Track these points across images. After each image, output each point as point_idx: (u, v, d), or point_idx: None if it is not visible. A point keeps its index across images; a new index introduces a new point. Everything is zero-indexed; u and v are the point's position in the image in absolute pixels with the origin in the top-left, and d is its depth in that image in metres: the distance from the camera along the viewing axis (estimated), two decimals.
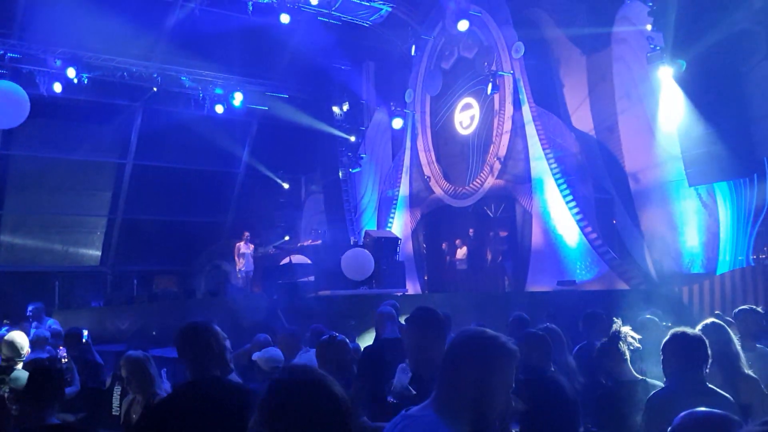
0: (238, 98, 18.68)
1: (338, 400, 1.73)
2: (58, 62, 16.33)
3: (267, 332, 5.70)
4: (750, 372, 4.05)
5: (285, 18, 16.92)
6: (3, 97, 7.49)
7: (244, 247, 16.84)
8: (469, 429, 2.00)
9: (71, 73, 16.29)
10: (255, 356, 4.73)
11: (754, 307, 6.70)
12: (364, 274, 12.10)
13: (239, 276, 16.70)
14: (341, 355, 4.07)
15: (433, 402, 2.08)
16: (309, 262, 14.38)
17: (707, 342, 3.39)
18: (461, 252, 16.15)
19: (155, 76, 17.61)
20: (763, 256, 11.90)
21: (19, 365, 5.30)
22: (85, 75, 16.51)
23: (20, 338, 5.56)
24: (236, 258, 16.90)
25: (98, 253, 19.52)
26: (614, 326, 4.10)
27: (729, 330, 4.25)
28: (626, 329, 4.10)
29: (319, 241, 17.46)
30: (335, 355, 4.06)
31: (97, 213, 19.43)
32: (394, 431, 2.06)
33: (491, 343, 2.06)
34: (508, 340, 2.10)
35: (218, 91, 18.62)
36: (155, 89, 17.75)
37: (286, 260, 14.31)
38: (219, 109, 18.70)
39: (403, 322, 4.08)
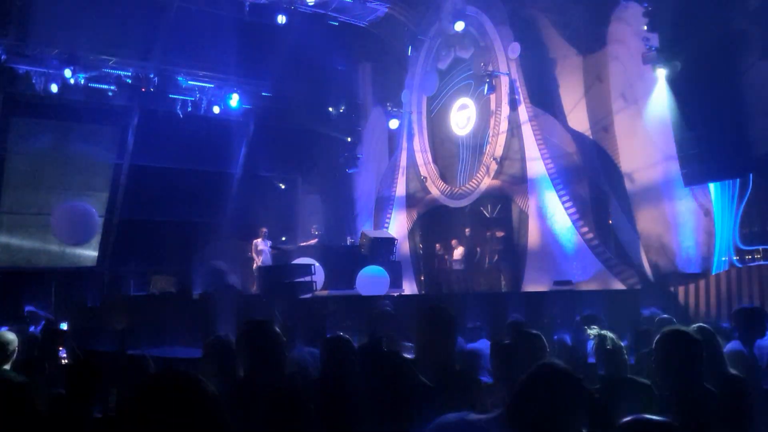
0: (234, 99, 18.69)
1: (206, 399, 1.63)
2: (55, 62, 16.30)
3: None
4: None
5: (281, 18, 16.92)
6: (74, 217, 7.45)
7: (262, 244, 16.79)
8: None
9: (68, 73, 16.26)
10: None
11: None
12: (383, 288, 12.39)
13: (255, 274, 16.61)
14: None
15: (501, 418, 2.09)
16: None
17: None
18: (458, 252, 16.18)
19: (152, 76, 17.60)
20: (759, 256, 11.95)
21: (7, 365, 5.19)
22: (81, 75, 16.49)
23: (5, 337, 5.39)
24: (254, 255, 16.88)
25: (95, 253, 19.47)
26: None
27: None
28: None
29: (316, 241, 17.47)
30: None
31: None
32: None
33: (571, 381, 2.10)
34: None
35: (214, 91, 18.63)
36: (153, 89, 17.74)
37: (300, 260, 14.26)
38: (216, 109, 18.71)
39: None
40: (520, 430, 2.03)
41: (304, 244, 17.42)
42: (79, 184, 18.76)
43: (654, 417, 1.94)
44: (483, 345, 5.52)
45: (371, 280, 12.73)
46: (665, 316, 6.01)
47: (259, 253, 16.77)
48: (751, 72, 11.56)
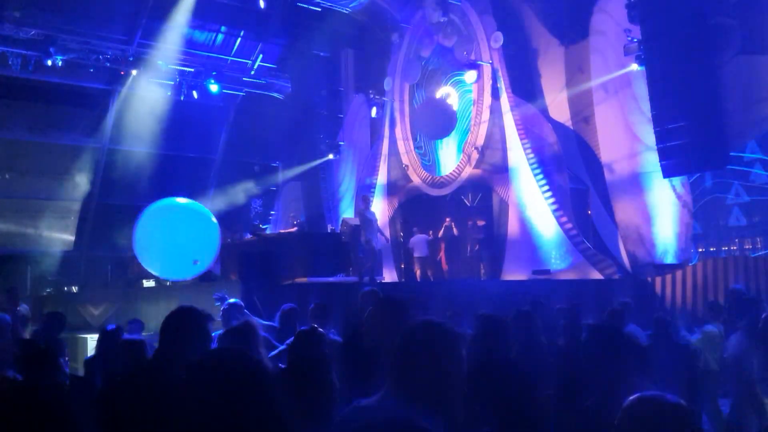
0: (214, 84, 18.53)
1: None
2: (32, 44, 16.02)
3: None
4: None
5: (261, 2, 16.79)
6: None
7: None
8: (432, 416, 1.94)
9: (46, 54, 15.98)
10: None
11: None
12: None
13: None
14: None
15: (390, 392, 2.04)
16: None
17: None
18: (418, 239, 15.91)
19: (131, 59, 17.38)
20: (735, 248, 12.13)
21: None
22: (59, 57, 16.21)
23: None
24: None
25: (72, 237, 19.27)
26: None
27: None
28: None
29: (295, 229, 17.39)
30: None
31: (71, 197, 19.17)
32: (351, 425, 1.96)
33: (442, 329, 2.08)
34: (454, 325, 2.13)
35: (195, 76, 18.45)
36: (134, 72, 17.53)
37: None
38: (195, 94, 18.54)
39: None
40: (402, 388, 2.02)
41: (285, 231, 17.34)
42: (56, 168, 18.52)
43: (663, 395, 1.90)
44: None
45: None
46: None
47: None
48: (730, 65, 11.68)
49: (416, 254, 15.72)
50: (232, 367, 1.61)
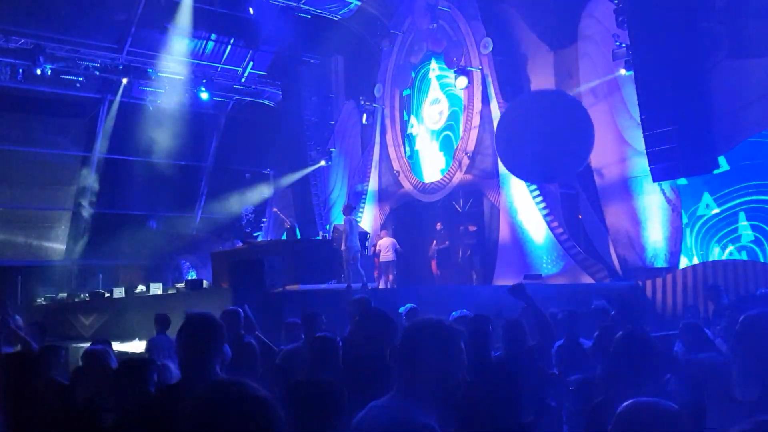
0: (205, 92, 18.52)
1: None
2: (21, 53, 15.98)
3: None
4: None
5: (251, 10, 16.82)
6: None
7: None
8: (436, 412, 2.07)
9: (35, 63, 15.93)
10: None
11: None
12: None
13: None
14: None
15: (398, 392, 2.12)
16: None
17: None
18: (384, 242, 15.50)
19: (121, 68, 17.36)
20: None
21: None
22: (48, 66, 16.17)
23: None
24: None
25: (62, 247, 19.21)
26: None
27: None
28: None
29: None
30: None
31: (61, 207, 19.11)
32: (364, 422, 2.11)
33: (444, 327, 2.17)
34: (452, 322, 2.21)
35: (184, 84, 18.43)
36: (124, 81, 17.49)
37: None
38: (186, 102, 18.53)
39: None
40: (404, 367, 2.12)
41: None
42: (46, 178, 18.46)
43: (657, 401, 1.91)
44: None
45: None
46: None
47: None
48: (717, 70, 11.75)
49: (382, 258, 14.67)
50: (239, 402, 1.58)
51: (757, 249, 12.33)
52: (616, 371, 3.09)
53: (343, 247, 12.11)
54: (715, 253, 12.76)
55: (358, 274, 11.94)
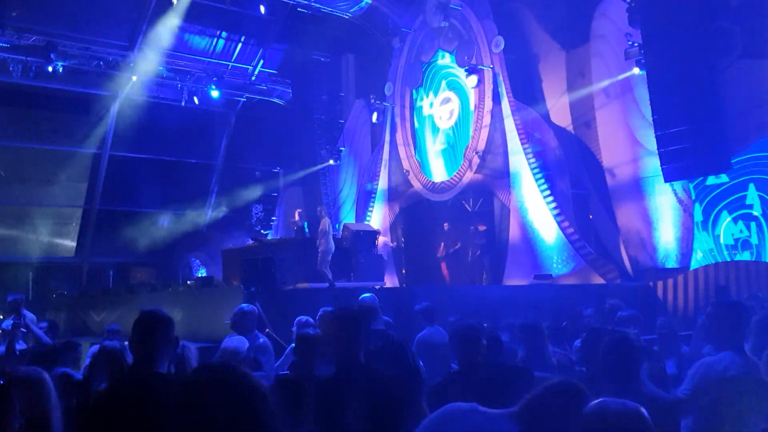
0: (215, 90, 18.54)
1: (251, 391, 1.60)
2: (33, 50, 16.03)
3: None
4: None
5: (262, 8, 16.82)
6: None
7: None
8: None
9: (47, 60, 15.98)
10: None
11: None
12: None
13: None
14: None
15: (514, 416, 2.11)
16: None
17: None
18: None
19: (132, 65, 17.39)
20: (735, 252, 12.10)
21: None
22: (60, 63, 16.22)
23: None
24: None
25: (73, 244, 19.29)
26: None
27: None
28: None
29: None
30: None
31: (72, 204, 19.20)
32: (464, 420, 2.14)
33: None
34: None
35: (196, 82, 18.47)
36: (134, 78, 17.53)
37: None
38: (196, 100, 18.55)
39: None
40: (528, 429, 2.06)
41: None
42: (57, 175, 18.54)
43: (621, 401, 1.89)
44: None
45: None
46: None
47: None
48: (731, 70, 11.67)
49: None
50: (228, 384, 1.56)
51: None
52: (600, 374, 3.12)
53: (323, 248, 12.34)
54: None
55: (326, 275, 12.26)
